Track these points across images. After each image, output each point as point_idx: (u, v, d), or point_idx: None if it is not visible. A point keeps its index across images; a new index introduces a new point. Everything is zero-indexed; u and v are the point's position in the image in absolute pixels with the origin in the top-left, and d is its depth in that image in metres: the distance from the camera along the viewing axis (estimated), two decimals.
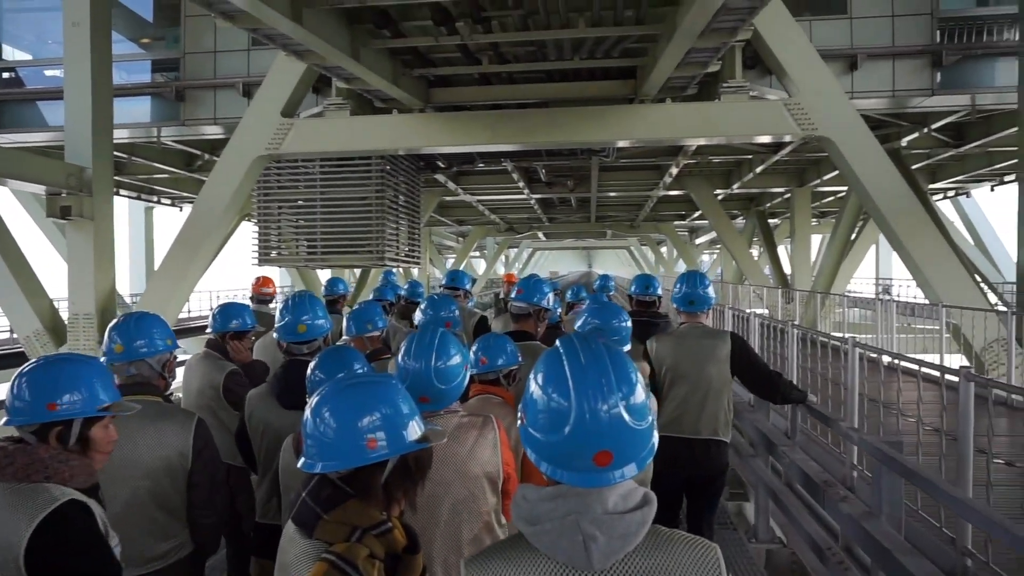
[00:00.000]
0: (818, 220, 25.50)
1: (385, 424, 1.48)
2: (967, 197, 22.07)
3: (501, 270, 48.48)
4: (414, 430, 1.52)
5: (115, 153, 10.85)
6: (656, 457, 1.23)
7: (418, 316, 3.68)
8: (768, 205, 22.47)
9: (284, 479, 2.36)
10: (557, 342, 1.25)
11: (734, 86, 8.97)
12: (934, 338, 9.03)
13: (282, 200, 11.43)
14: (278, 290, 7.72)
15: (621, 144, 10.43)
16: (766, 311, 16.00)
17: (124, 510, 2.22)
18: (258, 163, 10.12)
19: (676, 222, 29.34)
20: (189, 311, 22.10)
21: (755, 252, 27.68)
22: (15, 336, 13.01)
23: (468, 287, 5.61)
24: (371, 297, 5.83)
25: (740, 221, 25.39)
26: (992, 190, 18.58)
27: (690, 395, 3.65)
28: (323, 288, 6.32)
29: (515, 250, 55.23)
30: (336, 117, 9.75)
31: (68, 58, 9.13)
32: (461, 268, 31.10)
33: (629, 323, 2.97)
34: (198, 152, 14.40)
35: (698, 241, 40.59)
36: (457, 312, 3.67)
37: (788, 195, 18.97)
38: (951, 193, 21.15)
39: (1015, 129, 9.03)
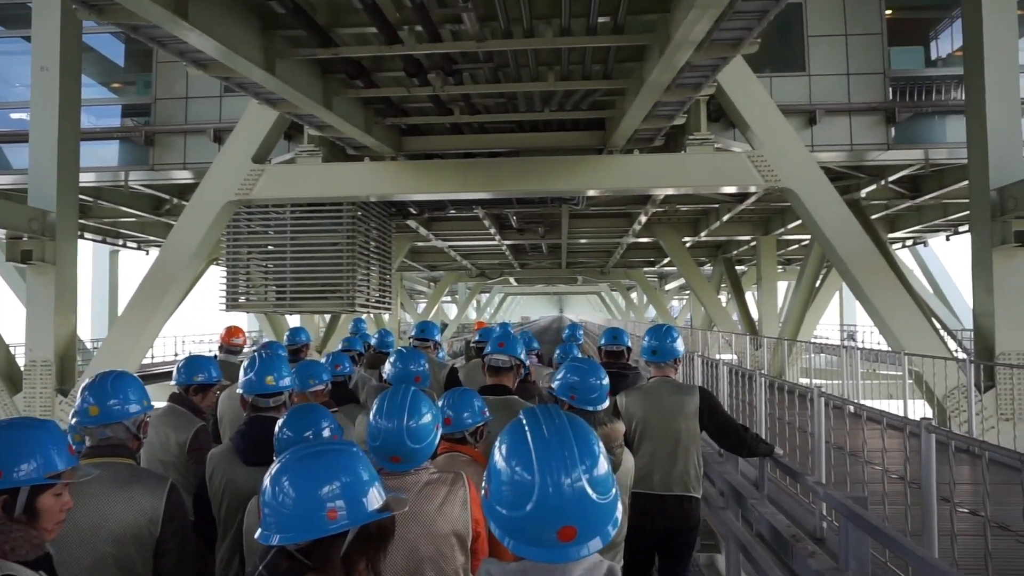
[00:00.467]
0: (783, 267, 26.08)
1: (345, 493, 1.45)
2: (925, 246, 22.76)
3: (473, 315, 48.42)
4: (375, 498, 1.49)
5: (81, 196, 10.71)
6: (628, 513, 1.23)
7: (387, 369, 3.64)
8: (735, 252, 22.95)
9: (248, 541, 2.29)
10: (521, 414, 1.25)
11: (699, 138, 9.26)
12: (898, 384, 9.20)
13: (251, 245, 11.34)
14: (247, 338, 7.58)
15: (591, 193, 10.62)
16: (735, 357, 16.17)
17: None
18: (228, 208, 10.05)
19: (646, 268, 29.79)
20: (152, 356, 21.61)
21: (723, 298, 28.09)
22: None
23: (438, 338, 5.59)
24: (339, 347, 5.76)
25: (708, 268, 25.84)
26: (948, 239, 19.16)
27: (659, 450, 3.66)
28: (285, 338, 6.22)
29: (487, 295, 55.28)
30: (308, 164, 9.75)
31: (35, 102, 9.09)
32: (432, 314, 30.95)
33: (607, 381, 2.98)
34: (166, 196, 14.29)
35: (668, 287, 41.17)
36: (426, 366, 3.65)
37: (754, 243, 19.41)
38: (909, 242, 21.79)
39: (966, 182, 9.41)
